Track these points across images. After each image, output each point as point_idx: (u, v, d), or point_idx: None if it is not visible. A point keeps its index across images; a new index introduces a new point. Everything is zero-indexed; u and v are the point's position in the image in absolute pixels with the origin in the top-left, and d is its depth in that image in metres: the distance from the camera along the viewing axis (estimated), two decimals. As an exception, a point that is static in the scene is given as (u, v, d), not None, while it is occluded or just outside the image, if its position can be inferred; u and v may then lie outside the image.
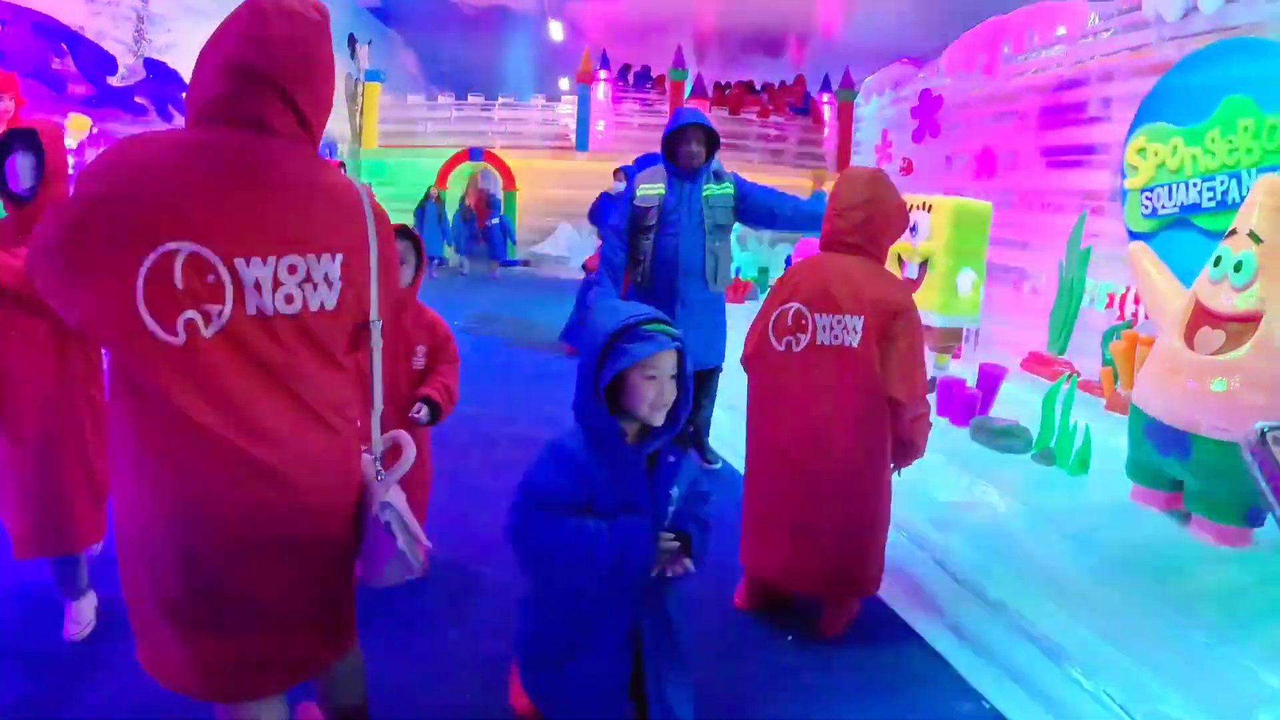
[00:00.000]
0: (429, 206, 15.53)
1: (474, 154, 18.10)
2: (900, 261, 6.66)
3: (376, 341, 1.99)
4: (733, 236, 5.21)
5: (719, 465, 5.30)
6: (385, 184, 17.33)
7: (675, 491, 2.18)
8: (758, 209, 5.02)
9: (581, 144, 18.90)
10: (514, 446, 5.54)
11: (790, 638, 3.30)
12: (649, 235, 4.93)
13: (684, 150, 4.84)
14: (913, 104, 9.93)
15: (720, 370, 5.26)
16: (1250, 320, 3.53)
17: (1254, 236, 3.56)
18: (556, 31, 21.53)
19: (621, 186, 9.36)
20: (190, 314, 1.63)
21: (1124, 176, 6.51)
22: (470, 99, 19.28)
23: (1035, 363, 6.75)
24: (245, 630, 1.85)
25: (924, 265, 6.52)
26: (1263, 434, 2.96)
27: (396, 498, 2.00)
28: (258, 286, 1.70)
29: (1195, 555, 3.60)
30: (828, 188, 12.57)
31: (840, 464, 3.08)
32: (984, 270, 6.60)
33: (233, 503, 1.76)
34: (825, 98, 20.29)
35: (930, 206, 6.48)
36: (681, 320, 4.84)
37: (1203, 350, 3.65)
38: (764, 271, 12.00)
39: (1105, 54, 7.28)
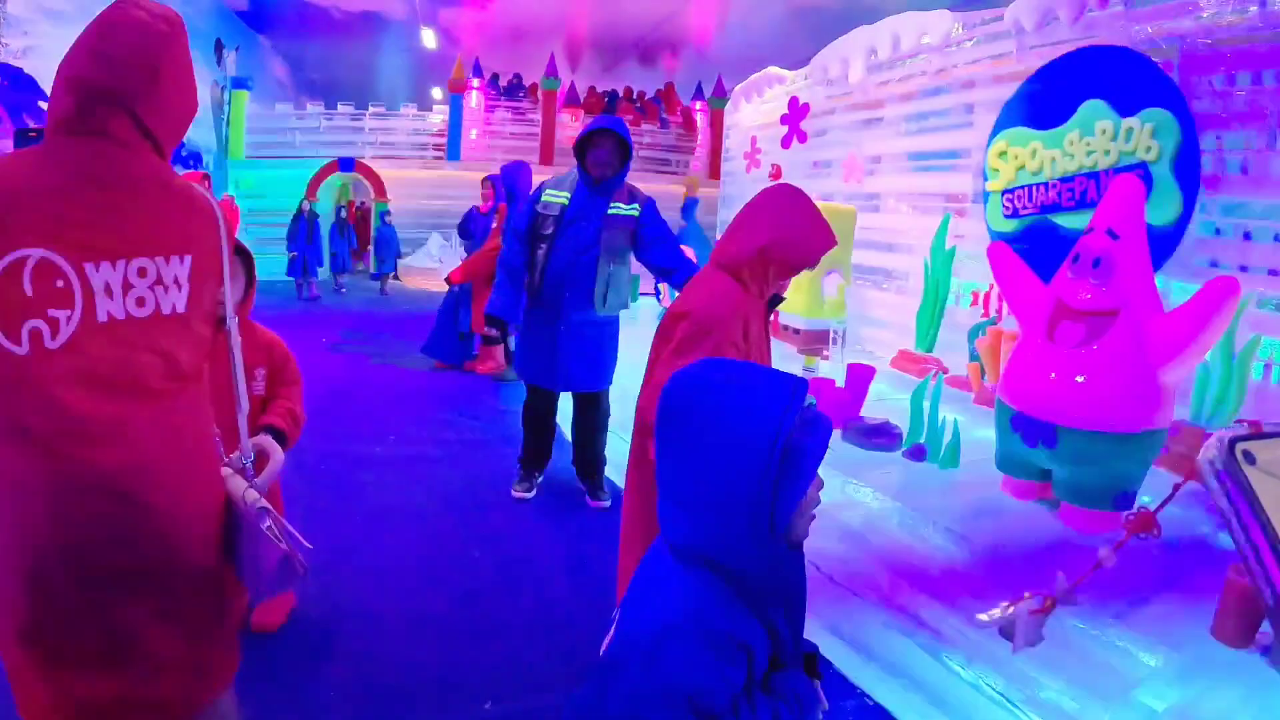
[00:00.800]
0: (301, 220, 14.66)
1: (344, 164, 17.78)
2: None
3: (235, 340, 2.03)
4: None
5: (608, 504, 5.08)
6: (254, 196, 16.83)
7: None
8: (645, 245, 4.84)
9: (453, 154, 18.94)
10: (385, 467, 5.54)
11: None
12: (544, 245, 4.75)
13: (592, 157, 4.68)
14: (781, 111, 9.94)
15: (604, 396, 5.13)
16: (1108, 314, 3.55)
17: (1111, 234, 3.58)
18: (429, 39, 21.39)
19: (490, 200, 9.13)
20: (35, 322, 1.61)
21: (985, 179, 6.62)
22: (340, 108, 18.96)
23: (904, 360, 6.81)
24: (105, 666, 1.76)
25: None
26: (1231, 445, 2.68)
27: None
28: (108, 290, 1.69)
29: (1066, 542, 3.65)
30: (700, 194, 12.71)
31: None
32: (850, 272, 6.62)
33: (78, 522, 1.68)
34: (698, 105, 20.55)
35: None
36: (561, 343, 4.82)
37: (1064, 344, 3.66)
38: (634, 279, 11.88)
39: (968, 62, 7.45)
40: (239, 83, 17.84)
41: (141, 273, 1.73)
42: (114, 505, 1.70)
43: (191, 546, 1.84)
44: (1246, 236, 5.15)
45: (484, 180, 9.34)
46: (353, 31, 21.52)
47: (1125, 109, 5.62)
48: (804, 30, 18.19)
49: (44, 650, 1.72)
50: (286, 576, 1.95)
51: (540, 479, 5.33)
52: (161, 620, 1.80)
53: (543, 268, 4.74)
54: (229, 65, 17.91)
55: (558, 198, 4.77)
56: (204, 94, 17.02)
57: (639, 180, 15.13)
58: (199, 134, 16.30)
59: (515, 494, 5.17)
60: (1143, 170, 5.42)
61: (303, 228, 14.43)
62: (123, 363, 1.71)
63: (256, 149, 17.93)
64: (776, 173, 10.13)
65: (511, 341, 8.53)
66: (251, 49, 20.07)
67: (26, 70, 10.16)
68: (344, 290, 15.78)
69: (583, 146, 4.71)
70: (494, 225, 8.60)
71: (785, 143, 9.95)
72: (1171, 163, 5.32)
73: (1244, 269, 5.02)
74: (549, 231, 4.73)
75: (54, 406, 1.63)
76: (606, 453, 5.25)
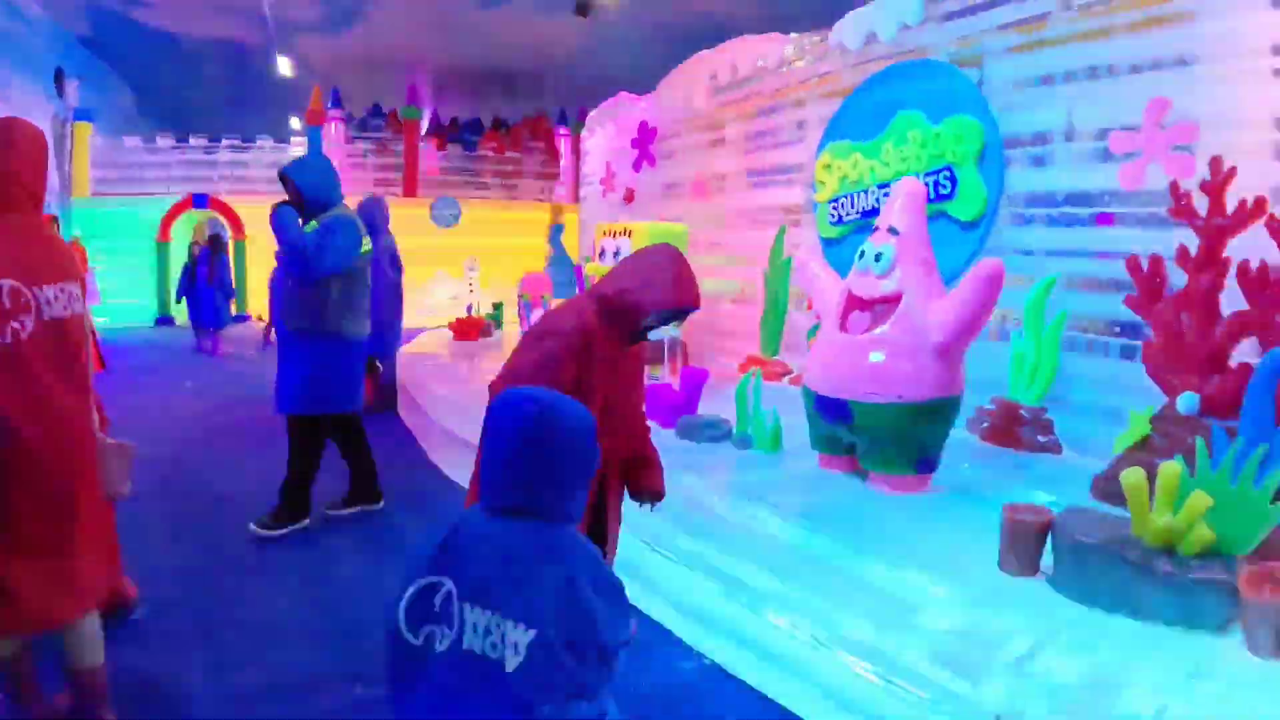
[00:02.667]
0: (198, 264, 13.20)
1: (198, 200, 17.12)
2: None
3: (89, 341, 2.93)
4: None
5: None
6: (100, 237, 15.96)
7: None
8: None
9: (314, 186, 18.48)
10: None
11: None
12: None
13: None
14: (632, 135, 10.40)
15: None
16: (892, 301, 4.04)
17: (893, 230, 4.07)
18: (285, 67, 20.83)
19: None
20: (13, 323, 2.55)
21: (814, 190, 7.14)
22: (193, 140, 18.38)
23: (751, 365, 7.23)
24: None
25: None
26: None
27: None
28: (49, 302, 2.66)
29: (875, 504, 4.11)
30: (563, 219, 13.02)
31: None
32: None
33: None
34: (562, 131, 20.93)
35: (630, 232, 7.00)
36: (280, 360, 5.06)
37: (854, 331, 4.12)
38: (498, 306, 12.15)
39: (799, 81, 8.02)
40: (82, 114, 17.03)
41: (61, 290, 2.73)
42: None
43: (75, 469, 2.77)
44: (1051, 223, 5.75)
45: None
46: (204, 60, 21.16)
47: (935, 117, 6.21)
48: (659, 55, 18.88)
49: None
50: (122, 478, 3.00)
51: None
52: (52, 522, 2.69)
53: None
54: (70, 95, 17.05)
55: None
56: (42, 127, 16.40)
57: (503, 208, 15.44)
58: None
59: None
60: (948, 171, 6.00)
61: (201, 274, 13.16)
62: (59, 347, 2.71)
63: (103, 185, 17.27)
64: (630, 196, 10.58)
65: (377, 372, 8.73)
66: (96, 78, 19.13)
67: None
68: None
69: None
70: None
71: (637, 166, 10.42)
72: (976, 163, 5.91)
73: (1053, 254, 5.63)
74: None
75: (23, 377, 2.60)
76: None
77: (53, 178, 16.22)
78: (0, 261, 2.56)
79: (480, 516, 1.96)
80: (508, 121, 22.09)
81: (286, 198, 4.93)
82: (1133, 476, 2.97)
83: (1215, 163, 4.09)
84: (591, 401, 2.56)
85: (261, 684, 3.36)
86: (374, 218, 8.13)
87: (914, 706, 2.81)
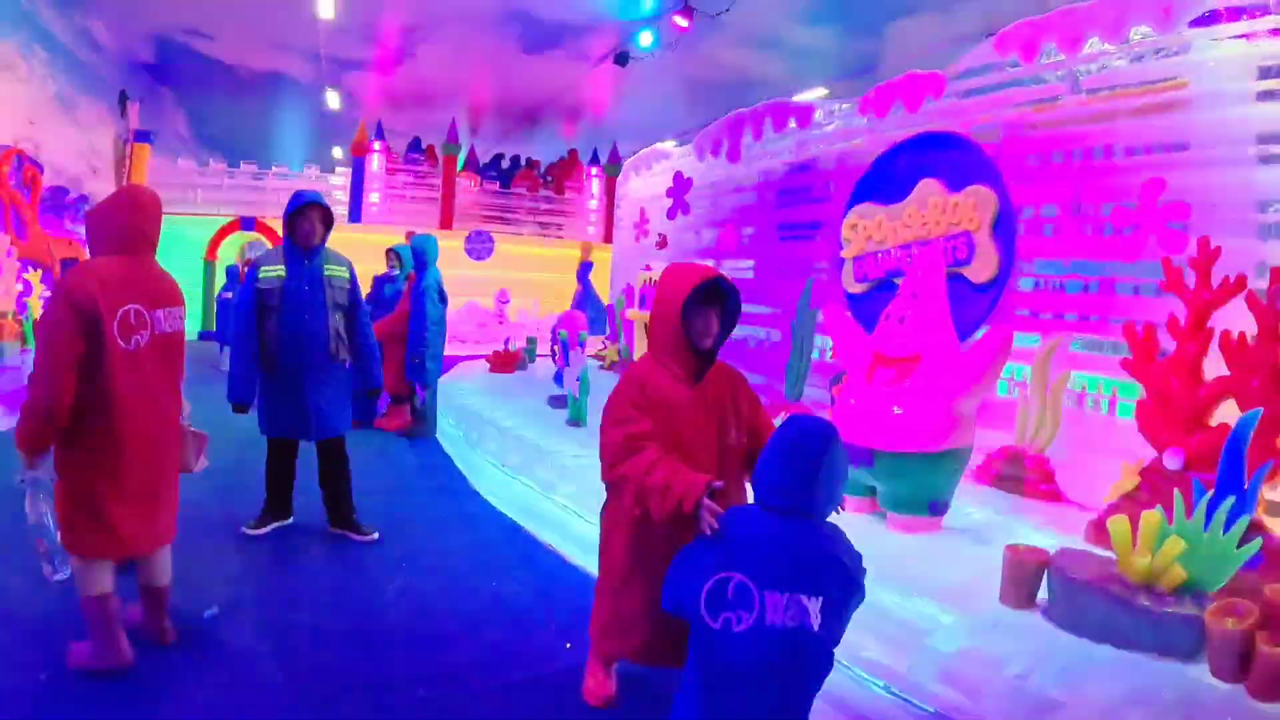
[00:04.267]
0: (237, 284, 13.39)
1: (246, 223, 17.74)
2: (646, 328, 7.50)
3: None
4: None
5: (375, 536, 5.53)
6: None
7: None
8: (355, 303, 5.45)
9: (354, 215, 19.07)
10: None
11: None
12: (273, 315, 5.15)
13: (303, 229, 5.14)
14: (667, 185, 10.87)
15: (345, 440, 5.59)
16: (912, 359, 4.46)
17: (914, 295, 4.52)
18: (333, 100, 21.60)
19: (397, 270, 9.70)
20: (136, 336, 3.51)
21: (841, 247, 7.58)
22: (243, 166, 19.03)
23: (777, 409, 7.60)
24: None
25: None
26: None
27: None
28: (160, 320, 3.63)
29: (892, 542, 4.46)
30: (593, 257, 13.50)
31: None
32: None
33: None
34: (594, 171, 21.37)
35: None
36: (309, 388, 5.25)
37: (879, 385, 4.56)
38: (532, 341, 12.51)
39: (828, 145, 8.48)
40: (142, 135, 17.64)
41: (169, 312, 3.71)
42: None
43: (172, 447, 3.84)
44: (1060, 288, 6.19)
45: (387, 251, 9.91)
46: (257, 90, 21.81)
47: (954, 185, 6.65)
48: (694, 104, 19.44)
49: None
50: (196, 456, 4.06)
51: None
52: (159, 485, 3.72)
53: (277, 334, 5.16)
54: (132, 117, 17.70)
55: (275, 272, 5.18)
56: (105, 145, 16.79)
57: (537, 245, 15.92)
58: (100, 186, 16.09)
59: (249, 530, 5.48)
60: (966, 237, 6.44)
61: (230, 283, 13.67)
62: (166, 353, 3.68)
63: None
64: (663, 242, 11.04)
65: (417, 399, 9.15)
66: (155, 102, 19.87)
67: None
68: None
69: (294, 220, 5.16)
70: (404, 289, 9.20)
71: (670, 214, 10.90)
72: (991, 230, 6.35)
73: (1059, 316, 6.06)
74: (276, 303, 5.14)
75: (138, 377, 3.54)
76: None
77: (109, 191, 16.93)
78: (130, 291, 3.52)
79: (757, 516, 2.62)
80: (541, 162, 22.55)
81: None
82: (1119, 523, 3.37)
83: (1203, 242, 4.50)
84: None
85: (335, 684, 3.68)
86: (426, 253, 8.61)
87: None
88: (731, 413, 3.25)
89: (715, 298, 3.15)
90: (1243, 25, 5.19)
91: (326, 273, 5.26)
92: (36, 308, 10.76)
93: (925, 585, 3.83)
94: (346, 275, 5.40)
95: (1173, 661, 3.12)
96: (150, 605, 3.85)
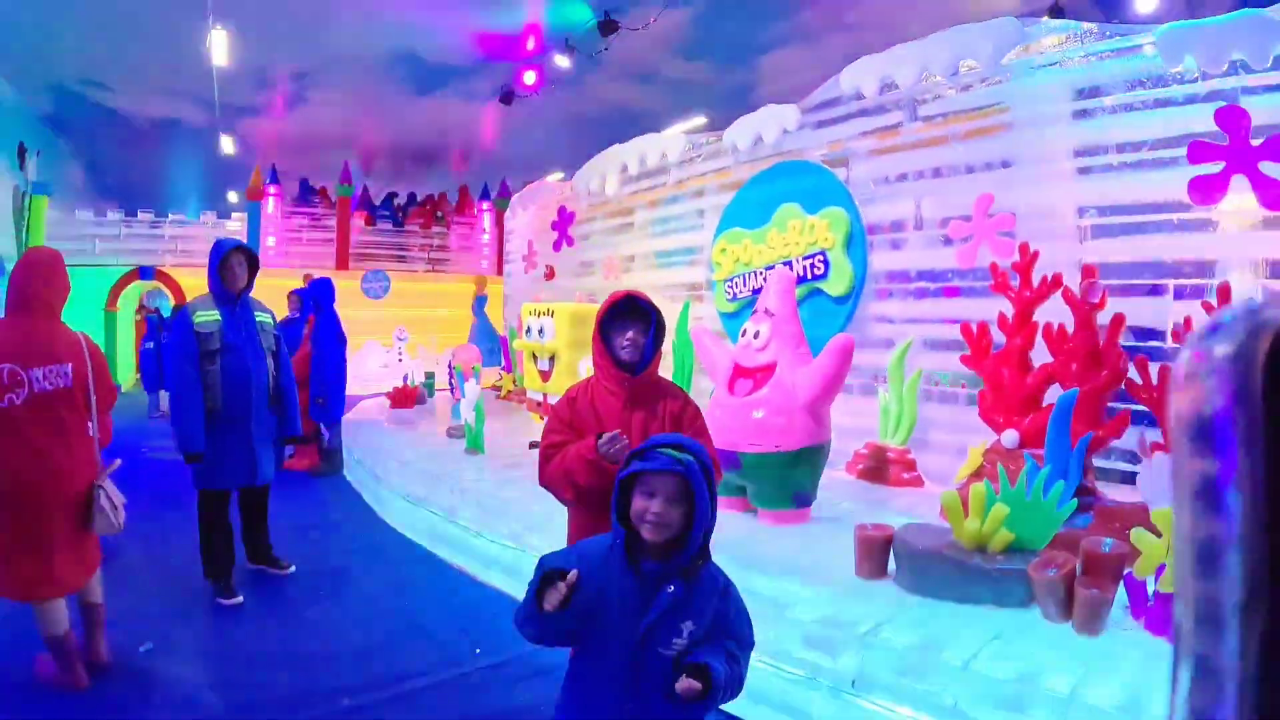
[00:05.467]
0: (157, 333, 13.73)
1: (144, 272, 17.51)
2: (534, 357, 7.96)
3: (94, 406, 4.00)
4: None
5: (293, 568, 5.66)
6: None
7: (688, 625, 2.21)
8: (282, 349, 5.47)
9: (252, 259, 18.78)
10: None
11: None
12: (215, 360, 5.00)
13: (232, 274, 5.10)
14: (552, 218, 11.25)
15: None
16: (768, 369, 4.92)
17: (768, 312, 4.98)
18: (228, 145, 21.33)
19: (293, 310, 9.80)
20: (10, 395, 3.69)
21: (712, 270, 8.05)
22: (140, 215, 18.79)
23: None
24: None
25: (552, 359, 7.96)
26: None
27: (108, 484, 4.02)
28: (38, 380, 3.76)
29: (763, 534, 4.88)
30: (486, 291, 13.66)
31: None
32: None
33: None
34: (484, 205, 21.62)
35: (553, 312, 7.88)
36: (256, 435, 5.20)
37: (739, 394, 4.99)
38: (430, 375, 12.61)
39: (698, 174, 8.97)
40: (40, 187, 16.91)
41: (50, 370, 3.81)
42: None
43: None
44: (906, 296, 6.74)
45: (289, 294, 10.03)
46: (151, 137, 21.55)
47: (811, 208, 7.17)
48: (577, 135, 19.90)
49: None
50: (107, 526, 3.97)
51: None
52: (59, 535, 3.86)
53: (220, 379, 5.01)
54: (30, 170, 17.05)
55: (210, 316, 5.07)
56: (4, 198, 16.23)
57: (431, 281, 16.01)
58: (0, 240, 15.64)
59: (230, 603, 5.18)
60: (822, 255, 6.95)
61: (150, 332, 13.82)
62: (47, 412, 3.80)
63: None
64: (550, 273, 11.41)
65: (324, 439, 9.25)
66: (50, 153, 19.10)
67: None
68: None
69: (220, 267, 5.11)
70: (304, 333, 9.31)
71: (556, 246, 11.29)
72: (845, 247, 6.87)
73: (909, 321, 6.61)
74: (216, 347, 5.00)
75: (20, 435, 3.73)
76: None
77: (10, 246, 16.26)
78: (7, 350, 3.74)
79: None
80: (433, 196, 22.67)
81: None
82: (949, 496, 3.84)
83: (1024, 248, 5.07)
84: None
85: (266, 701, 3.92)
86: (323, 295, 8.79)
87: (793, 681, 3.59)
88: (668, 426, 3.22)
89: (633, 314, 3.23)
90: (1056, 55, 5.84)
91: (258, 318, 5.26)
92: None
93: (789, 567, 4.25)
94: (272, 321, 5.43)
95: (1008, 611, 3.58)
96: (86, 621, 4.11)
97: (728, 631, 2.32)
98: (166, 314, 15.71)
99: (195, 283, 16.95)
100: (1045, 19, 6.29)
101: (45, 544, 3.79)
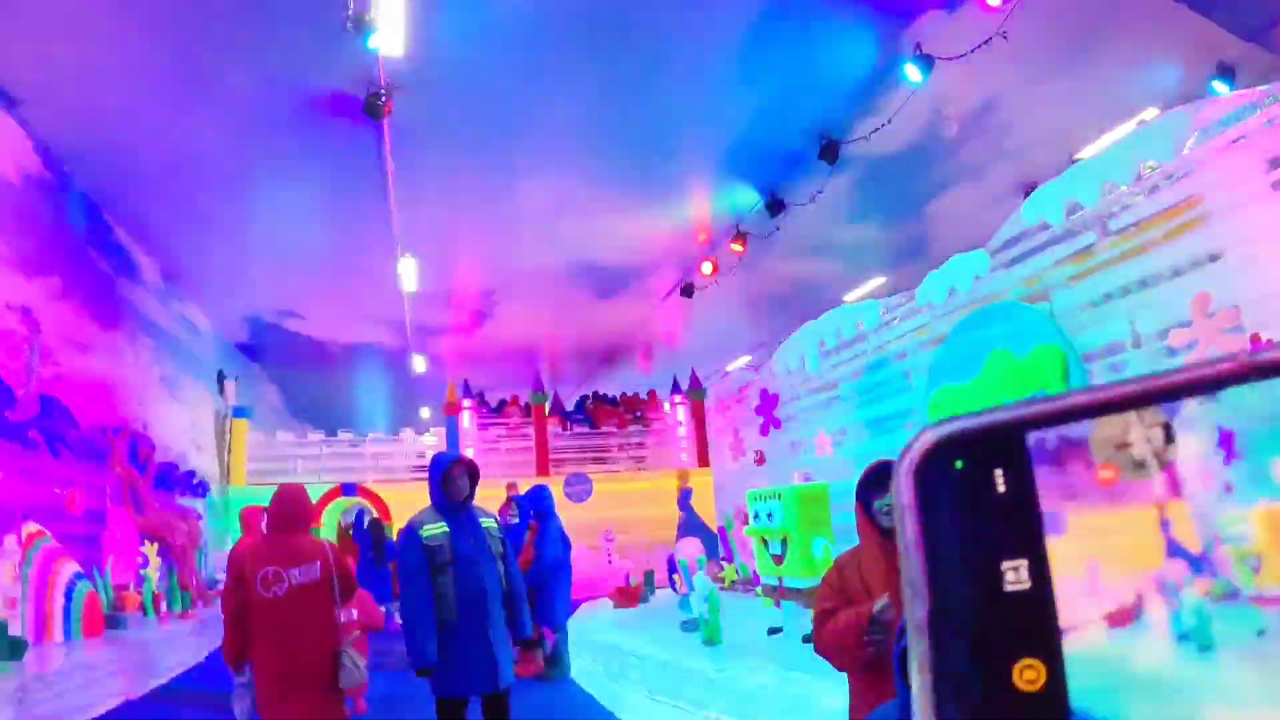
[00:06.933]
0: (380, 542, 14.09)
1: (347, 489, 18.40)
2: (764, 541, 8.22)
3: (337, 593, 5.11)
4: None
5: None
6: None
7: None
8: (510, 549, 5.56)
9: (455, 473, 19.61)
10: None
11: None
12: (446, 571, 5.14)
13: (456, 484, 5.29)
14: (755, 403, 11.68)
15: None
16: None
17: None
18: (419, 364, 22.41)
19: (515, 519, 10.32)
20: (275, 587, 4.89)
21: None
22: (340, 434, 20.02)
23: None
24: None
25: (784, 542, 8.12)
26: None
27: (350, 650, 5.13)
28: (295, 576, 4.93)
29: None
30: (691, 484, 14.10)
31: None
32: (832, 535, 8.13)
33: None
34: (677, 399, 22.11)
35: (780, 495, 8.17)
36: (495, 640, 5.24)
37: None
38: (649, 574, 12.86)
39: (898, 337, 9.27)
40: (240, 411, 18.93)
41: (301, 571, 4.96)
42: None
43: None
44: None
45: (508, 500, 10.48)
46: (343, 360, 23.08)
47: (1020, 349, 7.30)
48: (759, 315, 20.50)
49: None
50: (351, 679, 5.05)
51: None
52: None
53: (454, 590, 5.14)
54: (229, 394, 19.06)
55: (438, 529, 5.22)
56: (206, 421, 18.09)
57: (632, 479, 16.49)
58: (203, 460, 17.14)
59: None
60: (1042, 394, 7.02)
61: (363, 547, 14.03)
62: (298, 604, 4.92)
63: (258, 476, 18.59)
64: (760, 458, 11.75)
65: (547, 644, 9.53)
66: (246, 378, 21.07)
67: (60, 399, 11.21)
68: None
69: (444, 481, 5.31)
70: (527, 539, 9.78)
71: (764, 431, 11.66)
72: (1064, 382, 6.93)
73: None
74: (447, 559, 5.15)
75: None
76: None
77: (214, 467, 17.86)
78: (271, 557, 5.01)
79: None
80: (623, 395, 23.17)
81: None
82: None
83: (1255, 338, 5.01)
84: None
85: None
86: (542, 503, 9.34)
87: None
88: None
89: (890, 480, 3.52)
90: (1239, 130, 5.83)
91: (484, 525, 5.38)
92: (155, 579, 11.50)
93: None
94: (498, 525, 5.52)
95: None
96: None
97: None
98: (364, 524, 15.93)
99: (396, 496, 17.98)
100: (1219, 92, 6.28)
101: (297, 698, 4.94)
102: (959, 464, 0.49)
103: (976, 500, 0.48)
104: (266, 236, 16.04)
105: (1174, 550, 0.51)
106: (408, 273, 16.08)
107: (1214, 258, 6.08)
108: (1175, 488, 0.52)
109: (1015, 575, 0.47)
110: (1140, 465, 0.50)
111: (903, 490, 0.49)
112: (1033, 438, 0.48)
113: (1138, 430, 0.48)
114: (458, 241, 17.47)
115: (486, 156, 14.80)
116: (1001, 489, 0.48)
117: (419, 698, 5.82)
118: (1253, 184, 5.79)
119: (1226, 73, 12.02)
